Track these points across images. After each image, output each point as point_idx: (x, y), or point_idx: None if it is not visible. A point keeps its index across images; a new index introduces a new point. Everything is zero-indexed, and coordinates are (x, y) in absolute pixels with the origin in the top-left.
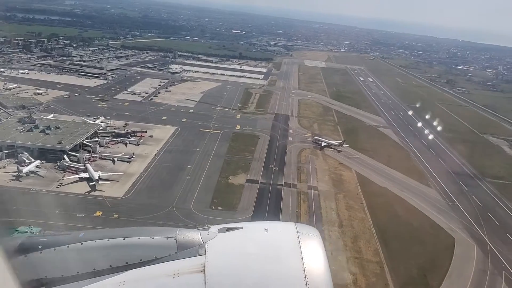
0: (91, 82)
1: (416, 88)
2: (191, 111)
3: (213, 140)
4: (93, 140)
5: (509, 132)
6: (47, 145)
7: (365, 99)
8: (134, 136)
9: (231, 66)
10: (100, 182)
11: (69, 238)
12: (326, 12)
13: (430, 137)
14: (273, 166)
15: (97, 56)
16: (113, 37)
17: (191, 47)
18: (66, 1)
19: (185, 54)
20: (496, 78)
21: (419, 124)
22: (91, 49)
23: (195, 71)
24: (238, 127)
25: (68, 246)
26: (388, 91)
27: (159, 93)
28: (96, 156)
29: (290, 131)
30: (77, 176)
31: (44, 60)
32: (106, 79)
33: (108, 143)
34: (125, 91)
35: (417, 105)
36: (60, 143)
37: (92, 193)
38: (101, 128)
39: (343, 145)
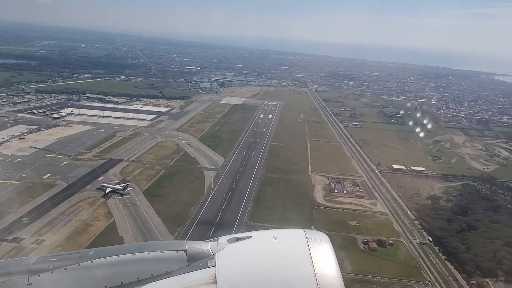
0: None
1: (308, 124)
2: (17, 160)
3: None
4: None
5: (350, 169)
6: None
7: (235, 139)
8: None
9: (133, 107)
10: None
11: (79, 257)
12: (322, 40)
13: (250, 179)
14: (25, 219)
15: None
16: (43, 80)
17: (114, 87)
18: (42, 42)
19: (93, 96)
20: (415, 109)
21: (257, 165)
22: None
23: (82, 114)
24: (47, 176)
25: (78, 265)
26: (272, 129)
27: (8, 141)
28: None
29: (100, 178)
30: None
31: None
32: None
33: None
34: None
35: (279, 144)
36: None
37: None
38: None
39: (127, 189)
